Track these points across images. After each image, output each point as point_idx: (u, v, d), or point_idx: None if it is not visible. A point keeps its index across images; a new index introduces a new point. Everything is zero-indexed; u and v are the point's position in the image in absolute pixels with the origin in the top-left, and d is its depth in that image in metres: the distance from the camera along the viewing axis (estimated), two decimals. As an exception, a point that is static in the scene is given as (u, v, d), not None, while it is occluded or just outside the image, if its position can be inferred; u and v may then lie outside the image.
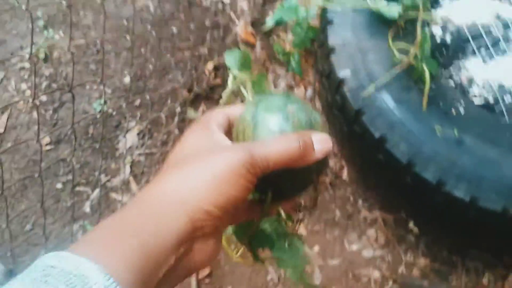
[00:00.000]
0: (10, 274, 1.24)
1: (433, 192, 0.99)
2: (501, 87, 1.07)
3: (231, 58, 0.63)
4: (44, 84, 1.59)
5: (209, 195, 0.38)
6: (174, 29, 1.57)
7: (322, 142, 0.44)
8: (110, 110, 1.54)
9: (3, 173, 1.45)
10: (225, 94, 0.70)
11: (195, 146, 0.44)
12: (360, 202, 1.35)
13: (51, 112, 1.55)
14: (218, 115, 0.47)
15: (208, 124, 0.46)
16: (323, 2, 1.19)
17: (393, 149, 1.02)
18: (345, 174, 1.37)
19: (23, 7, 1.59)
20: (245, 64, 0.64)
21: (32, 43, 1.58)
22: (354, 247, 1.32)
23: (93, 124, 1.54)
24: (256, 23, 1.61)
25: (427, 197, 1.02)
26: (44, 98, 1.56)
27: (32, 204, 1.42)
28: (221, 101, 0.71)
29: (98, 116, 1.53)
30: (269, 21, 1.42)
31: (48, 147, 1.51)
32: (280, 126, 0.44)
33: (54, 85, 1.58)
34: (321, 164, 0.45)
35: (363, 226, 1.33)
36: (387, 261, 1.31)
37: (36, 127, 1.52)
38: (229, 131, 0.48)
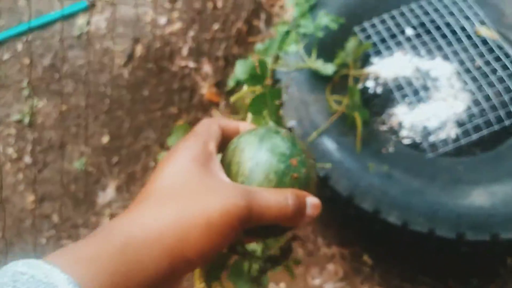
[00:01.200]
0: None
1: (372, 220, 1.14)
2: (425, 128, 1.26)
3: (240, 67, 0.56)
4: (29, 147, 1.74)
5: (197, 245, 0.36)
6: (146, 92, 1.75)
7: (313, 208, 0.43)
8: (90, 168, 1.68)
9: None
10: (235, 97, 0.68)
11: (188, 173, 0.39)
12: (319, 239, 1.48)
13: (35, 172, 1.69)
14: (214, 129, 0.44)
15: (207, 143, 0.42)
16: (271, 65, 1.39)
17: (336, 185, 1.17)
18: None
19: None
20: (256, 78, 0.54)
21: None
22: (317, 281, 1.44)
23: (75, 182, 1.68)
24: (220, 84, 1.81)
25: (368, 225, 1.17)
26: (29, 160, 1.70)
27: (18, 258, 1.53)
28: (231, 99, 0.72)
29: (79, 174, 1.67)
30: (230, 82, 1.61)
31: (33, 205, 1.64)
32: (279, 177, 0.42)
33: (39, 148, 1.73)
34: None
35: (323, 261, 1.46)
36: (346, 292, 1.42)
37: (21, 188, 1.66)
38: (221, 144, 0.45)
